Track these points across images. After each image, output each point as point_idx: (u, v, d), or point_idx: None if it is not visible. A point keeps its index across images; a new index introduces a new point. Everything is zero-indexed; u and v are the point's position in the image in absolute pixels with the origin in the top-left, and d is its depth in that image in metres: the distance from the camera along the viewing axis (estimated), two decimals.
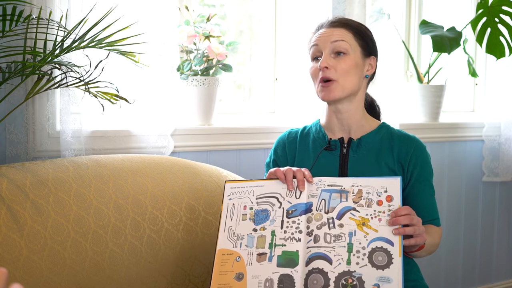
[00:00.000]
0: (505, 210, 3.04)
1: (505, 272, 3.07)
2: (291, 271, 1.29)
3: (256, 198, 1.40)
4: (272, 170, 1.44)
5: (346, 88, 1.50)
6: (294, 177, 1.40)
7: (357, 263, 1.27)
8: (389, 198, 1.33)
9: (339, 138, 1.56)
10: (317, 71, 1.51)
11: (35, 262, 1.39)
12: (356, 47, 1.51)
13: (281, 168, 1.43)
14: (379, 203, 1.33)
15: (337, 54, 1.49)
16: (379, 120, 1.66)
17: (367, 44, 1.54)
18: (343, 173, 1.53)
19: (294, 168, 1.41)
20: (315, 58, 1.53)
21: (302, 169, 1.41)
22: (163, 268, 1.61)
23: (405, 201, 1.52)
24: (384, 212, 1.31)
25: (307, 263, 1.29)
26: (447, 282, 2.86)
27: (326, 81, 1.49)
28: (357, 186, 1.36)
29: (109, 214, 1.55)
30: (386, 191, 1.34)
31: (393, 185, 1.34)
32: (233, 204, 1.41)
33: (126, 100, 1.71)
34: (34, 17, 1.67)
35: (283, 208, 1.37)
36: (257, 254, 1.33)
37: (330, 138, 1.57)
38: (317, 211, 1.34)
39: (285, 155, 1.63)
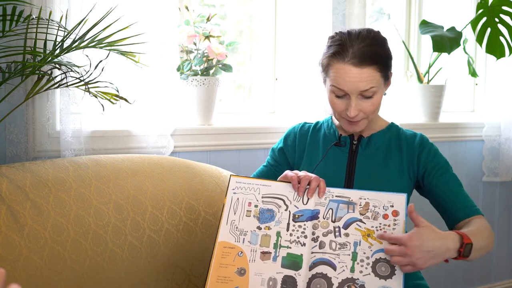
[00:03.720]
0: (505, 210, 3.03)
1: (505, 272, 3.07)
2: (295, 274, 1.30)
3: (262, 197, 1.41)
4: (289, 173, 1.41)
5: (371, 119, 1.51)
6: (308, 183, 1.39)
7: (361, 271, 1.29)
8: (395, 213, 1.35)
9: (349, 135, 1.57)
10: (342, 109, 1.47)
11: (35, 262, 1.39)
12: (381, 83, 1.46)
13: (299, 173, 1.41)
14: (385, 216, 1.34)
15: (365, 97, 1.45)
16: None
17: (389, 71, 1.49)
18: (350, 170, 1.54)
19: (312, 175, 1.40)
20: (338, 96, 1.47)
21: (320, 179, 1.40)
22: (163, 268, 1.61)
23: (436, 201, 1.52)
24: (389, 226, 1.33)
25: (311, 268, 1.30)
26: (447, 282, 2.86)
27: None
28: (365, 199, 1.37)
29: (109, 214, 1.55)
30: (392, 206, 1.35)
31: (399, 201, 1.36)
32: (238, 199, 1.41)
33: (126, 100, 1.71)
34: (34, 17, 1.67)
35: (289, 211, 1.38)
36: (261, 252, 1.34)
37: (341, 134, 1.58)
38: (324, 219, 1.36)
39: (294, 146, 1.64)
